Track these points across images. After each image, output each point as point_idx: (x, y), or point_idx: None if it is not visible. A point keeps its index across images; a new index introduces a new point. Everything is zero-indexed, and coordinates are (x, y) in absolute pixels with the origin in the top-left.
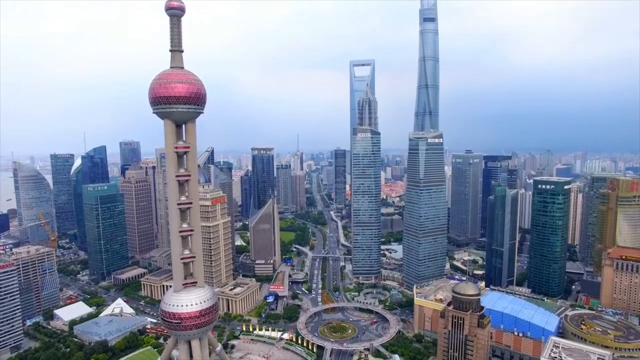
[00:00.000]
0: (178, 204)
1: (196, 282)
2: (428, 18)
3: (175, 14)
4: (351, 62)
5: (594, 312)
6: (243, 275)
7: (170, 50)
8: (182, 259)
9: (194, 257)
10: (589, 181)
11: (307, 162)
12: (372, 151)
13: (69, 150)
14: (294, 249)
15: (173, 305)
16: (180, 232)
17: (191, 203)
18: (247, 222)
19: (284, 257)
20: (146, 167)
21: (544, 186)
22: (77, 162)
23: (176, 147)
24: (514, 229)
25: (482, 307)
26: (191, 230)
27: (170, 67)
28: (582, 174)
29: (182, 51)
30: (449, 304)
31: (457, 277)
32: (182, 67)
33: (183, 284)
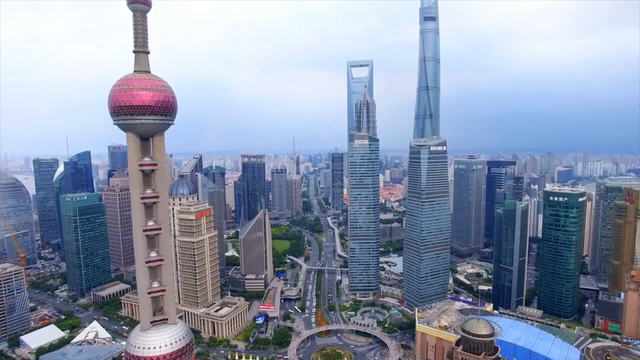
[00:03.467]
0: (144, 230)
1: (167, 319)
2: (428, 17)
3: (139, 8)
4: (349, 63)
5: (619, 344)
6: (232, 291)
7: (134, 52)
8: (150, 292)
9: (164, 290)
10: (601, 190)
11: (305, 163)
12: (370, 159)
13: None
14: (288, 260)
15: (139, 348)
16: (147, 262)
17: (160, 229)
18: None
19: (276, 269)
20: None
21: (556, 198)
22: (60, 169)
23: (141, 165)
24: (524, 244)
25: (497, 348)
26: (160, 260)
27: (134, 71)
28: (584, 177)
29: (148, 52)
30: (457, 343)
31: (462, 297)
32: (148, 71)
33: (151, 322)
